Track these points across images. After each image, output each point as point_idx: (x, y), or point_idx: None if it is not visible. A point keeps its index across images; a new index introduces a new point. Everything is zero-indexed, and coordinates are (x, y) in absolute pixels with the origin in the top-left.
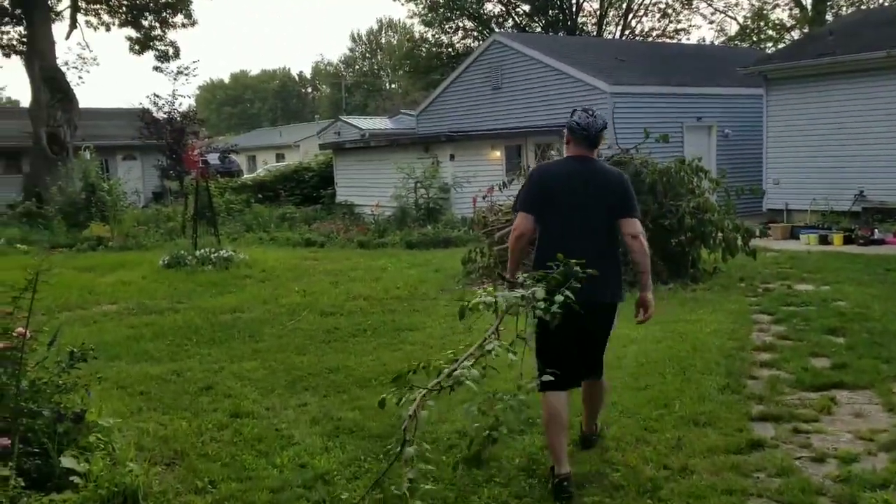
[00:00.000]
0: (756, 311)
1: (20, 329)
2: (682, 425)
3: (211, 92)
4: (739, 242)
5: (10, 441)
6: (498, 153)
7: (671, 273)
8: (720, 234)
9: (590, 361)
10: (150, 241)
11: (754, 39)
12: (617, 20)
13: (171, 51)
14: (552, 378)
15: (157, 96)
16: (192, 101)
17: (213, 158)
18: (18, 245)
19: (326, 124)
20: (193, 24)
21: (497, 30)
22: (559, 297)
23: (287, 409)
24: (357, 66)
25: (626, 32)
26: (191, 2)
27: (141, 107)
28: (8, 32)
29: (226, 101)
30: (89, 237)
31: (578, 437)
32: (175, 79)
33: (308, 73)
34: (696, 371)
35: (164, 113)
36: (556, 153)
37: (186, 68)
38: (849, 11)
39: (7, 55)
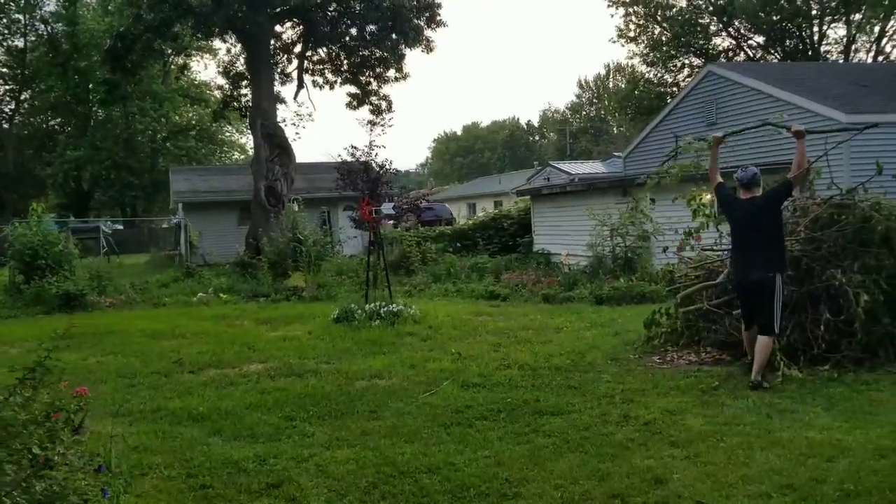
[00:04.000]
0: None
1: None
2: None
3: (445, 144)
4: None
5: None
6: (709, 196)
7: None
8: None
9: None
10: (341, 292)
11: None
12: (868, 46)
13: (383, 104)
14: None
15: (355, 147)
16: (386, 152)
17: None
18: (222, 295)
19: (536, 171)
20: (405, 77)
21: None
22: None
23: None
24: (584, 112)
25: (881, 59)
26: (404, 56)
27: (339, 159)
28: (246, 95)
29: (458, 152)
30: (288, 287)
31: None
32: (371, 130)
33: (536, 122)
34: None
35: (360, 163)
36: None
37: (382, 120)
38: None
39: (243, 115)
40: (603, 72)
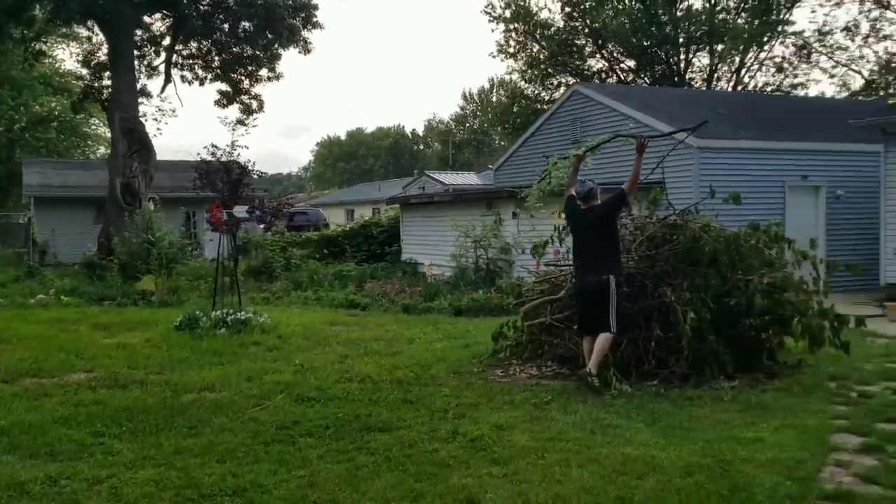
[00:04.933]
0: (841, 429)
1: None
2: None
3: (328, 148)
4: (827, 332)
5: None
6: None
7: (740, 365)
8: (803, 319)
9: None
10: (193, 297)
11: (881, 94)
12: (729, 76)
13: (255, 104)
14: None
15: (216, 146)
16: (247, 151)
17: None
18: (64, 297)
19: (412, 179)
20: (279, 77)
21: None
22: None
23: None
24: (467, 124)
25: (739, 88)
26: (279, 56)
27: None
28: (108, 86)
29: (341, 157)
30: (137, 291)
31: None
32: (234, 129)
33: (421, 131)
34: None
35: (221, 164)
36: (635, 209)
37: (253, 119)
38: None
39: (104, 108)
40: (487, 85)
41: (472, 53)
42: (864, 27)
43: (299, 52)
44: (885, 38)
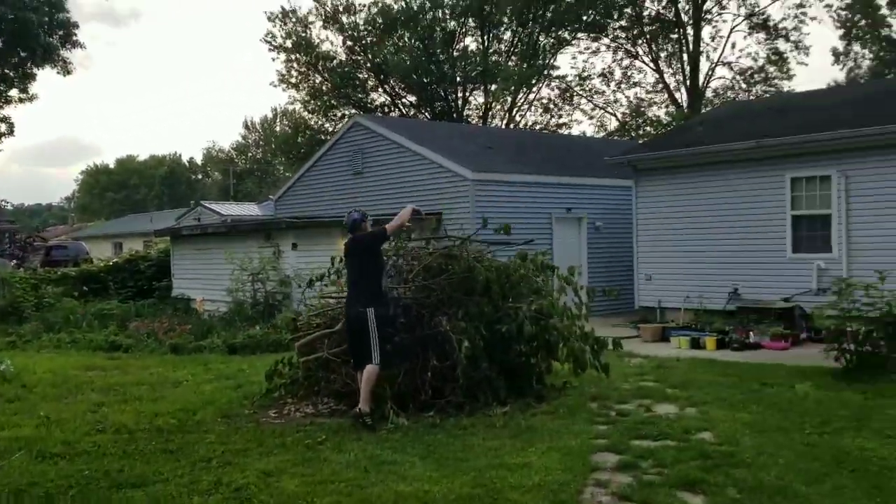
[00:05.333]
0: (601, 447)
1: None
2: None
3: (94, 177)
4: (588, 355)
5: None
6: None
7: (512, 390)
8: (567, 344)
9: None
10: None
11: (633, 135)
12: (502, 114)
13: (3, 126)
14: None
15: None
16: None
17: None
18: None
19: (186, 210)
20: (32, 98)
21: None
22: None
23: None
24: (250, 154)
25: (512, 126)
26: (33, 76)
27: None
28: None
29: (109, 186)
30: None
31: None
32: None
33: (199, 160)
34: None
35: None
36: (416, 239)
37: None
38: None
39: None
40: (270, 115)
41: (252, 82)
42: (618, 74)
43: (58, 72)
44: (635, 84)
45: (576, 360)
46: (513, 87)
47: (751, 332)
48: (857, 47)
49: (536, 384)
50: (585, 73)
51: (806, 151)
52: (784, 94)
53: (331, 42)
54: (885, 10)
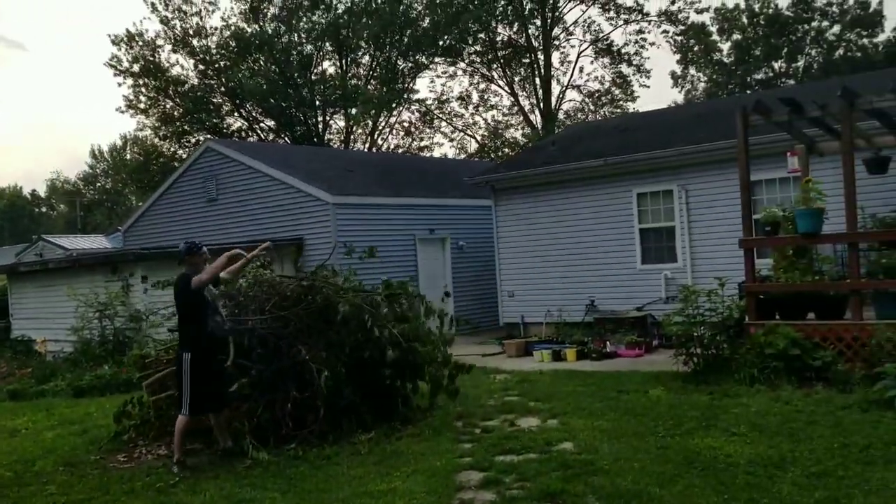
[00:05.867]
0: (466, 466)
1: None
2: None
3: None
4: (445, 379)
5: None
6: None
7: (379, 414)
8: (428, 368)
9: None
10: None
11: (492, 157)
12: (364, 137)
13: None
14: None
15: None
16: None
17: None
18: None
19: (26, 246)
20: None
21: None
22: None
23: None
24: (98, 184)
25: (374, 149)
26: None
27: None
28: None
29: None
30: None
31: None
32: None
33: (43, 192)
34: None
35: None
36: (278, 266)
37: None
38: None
39: None
40: (119, 142)
41: (98, 108)
42: (475, 97)
43: None
44: (493, 107)
45: (434, 383)
46: (373, 111)
47: (607, 342)
48: (693, 70)
49: (402, 407)
50: (444, 97)
51: (649, 168)
52: (629, 114)
53: (182, 66)
54: (716, 37)
